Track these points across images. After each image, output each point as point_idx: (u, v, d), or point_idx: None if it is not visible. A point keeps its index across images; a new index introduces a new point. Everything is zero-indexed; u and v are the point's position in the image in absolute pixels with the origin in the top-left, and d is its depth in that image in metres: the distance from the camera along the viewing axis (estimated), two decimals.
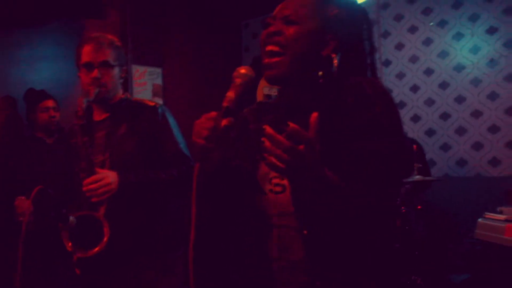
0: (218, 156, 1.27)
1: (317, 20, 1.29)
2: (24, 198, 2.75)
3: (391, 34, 4.85)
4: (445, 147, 4.50)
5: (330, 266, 1.21)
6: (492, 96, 4.24)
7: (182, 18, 4.99)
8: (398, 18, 4.80)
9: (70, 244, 1.92)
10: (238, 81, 1.25)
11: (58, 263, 2.95)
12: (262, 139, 1.03)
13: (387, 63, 4.87)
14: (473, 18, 4.35)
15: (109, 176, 1.96)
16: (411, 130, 4.67)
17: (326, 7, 1.30)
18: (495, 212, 3.03)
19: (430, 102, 4.59)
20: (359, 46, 1.34)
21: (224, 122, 1.20)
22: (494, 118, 4.22)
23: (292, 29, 1.27)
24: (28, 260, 2.04)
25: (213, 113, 1.22)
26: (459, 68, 4.43)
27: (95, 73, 2.06)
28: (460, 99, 4.41)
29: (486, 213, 3.03)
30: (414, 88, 4.69)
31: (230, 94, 1.23)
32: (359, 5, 1.38)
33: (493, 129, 4.22)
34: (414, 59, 4.70)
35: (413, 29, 4.71)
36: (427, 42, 4.62)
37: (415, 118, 4.67)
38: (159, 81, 4.73)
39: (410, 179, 3.41)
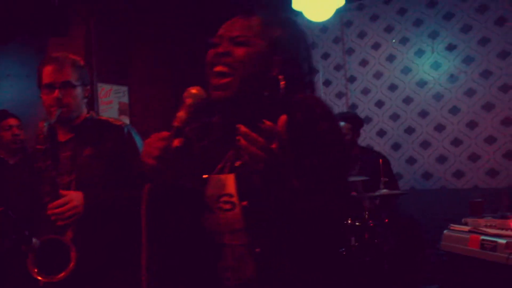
0: (169, 177, 1.26)
1: (264, 41, 1.31)
2: None
3: (355, 51, 4.96)
4: (410, 161, 4.59)
5: (280, 283, 1.21)
6: (454, 110, 4.36)
7: (147, 35, 4.98)
8: (362, 35, 4.92)
9: (35, 270, 1.86)
10: (189, 101, 1.25)
11: (21, 285, 2.85)
12: (237, 137, 1.03)
13: (352, 79, 4.96)
14: (433, 36, 4.50)
15: (74, 199, 1.91)
16: (377, 144, 4.75)
17: (271, 29, 1.33)
18: (460, 223, 3.09)
19: (395, 117, 4.69)
20: (301, 66, 1.37)
21: (175, 142, 1.19)
22: (456, 132, 4.34)
23: (241, 51, 1.28)
24: None
25: (164, 133, 1.21)
26: (422, 83, 4.55)
27: (57, 93, 2.01)
28: (423, 114, 4.53)
29: (451, 224, 3.08)
30: (379, 104, 4.78)
31: (181, 114, 1.23)
32: (299, 26, 1.41)
33: (456, 142, 4.34)
34: (378, 75, 4.81)
35: (376, 46, 4.83)
36: (391, 58, 4.74)
37: (381, 133, 4.76)
38: (125, 99, 4.68)
39: (377, 193, 3.45)
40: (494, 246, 2.64)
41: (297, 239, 1.20)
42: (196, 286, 1.35)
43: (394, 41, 4.73)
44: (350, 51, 4.99)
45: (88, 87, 2.17)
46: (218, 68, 1.29)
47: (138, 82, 4.83)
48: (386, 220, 3.48)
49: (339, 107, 5.02)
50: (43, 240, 1.89)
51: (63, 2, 4.03)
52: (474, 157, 4.25)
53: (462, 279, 2.88)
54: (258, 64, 1.29)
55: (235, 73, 1.27)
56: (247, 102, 1.31)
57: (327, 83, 5.12)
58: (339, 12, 4.49)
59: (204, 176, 1.32)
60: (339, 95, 5.04)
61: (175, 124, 1.21)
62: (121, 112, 4.63)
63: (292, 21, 1.40)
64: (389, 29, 4.76)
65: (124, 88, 4.68)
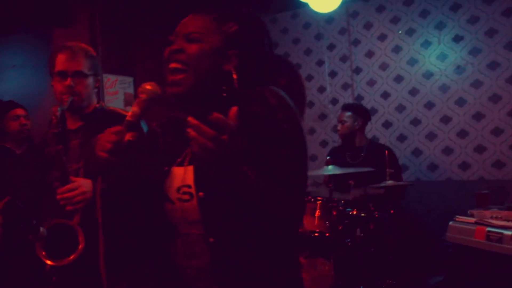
0: (121, 169, 1.32)
1: (218, 37, 1.33)
2: None
3: (361, 42, 4.93)
4: (416, 152, 4.58)
5: (235, 272, 1.26)
6: (460, 102, 4.34)
7: (153, 25, 4.97)
8: (368, 26, 4.89)
9: (43, 253, 1.88)
10: (143, 96, 1.31)
11: (29, 275, 2.87)
12: (188, 129, 1.06)
13: (358, 70, 4.94)
14: (440, 27, 4.47)
15: (84, 185, 1.93)
16: (383, 136, 4.74)
17: (226, 24, 1.35)
18: (466, 215, 3.09)
19: (401, 108, 4.67)
20: (259, 59, 1.39)
21: (127, 136, 1.25)
22: (462, 123, 4.33)
23: (194, 47, 1.31)
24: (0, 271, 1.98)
25: (117, 127, 1.27)
26: (428, 75, 4.53)
27: (69, 81, 2.04)
28: (429, 105, 4.51)
29: (457, 216, 3.08)
30: (385, 95, 4.77)
31: (135, 109, 1.29)
32: (258, 20, 1.42)
33: (462, 134, 4.33)
34: (384, 67, 4.78)
35: (382, 37, 4.80)
36: (396, 49, 4.71)
37: (387, 124, 4.75)
38: (130, 90, 4.68)
39: (382, 184, 3.45)
40: (500, 238, 2.65)
41: (250, 229, 1.24)
42: (155, 274, 1.42)
43: (400, 32, 4.70)
44: (356, 42, 4.97)
45: (99, 77, 2.20)
46: (173, 65, 1.32)
47: (143, 72, 4.83)
48: (392, 211, 3.48)
49: (344, 98, 5.00)
50: (51, 225, 1.90)
51: None
52: (480, 149, 4.24)
53: (468, 270, 2.88)
54: (212, 59, 1.32)
55: (189, 69, 1.30)
56: (203, 97, 1.33)
57: (332, 74, 5.11)
58: (345, 3, 4.47)
59: (165, 168, 1.36)
60: (345, 86, 5.03)
61: (128, 118, 1.28)
62: (127, 103, 4.64)
63: (251, 15, 1.41)
64: (395, 20, 4.73)
65: (130, 79, 4.68)
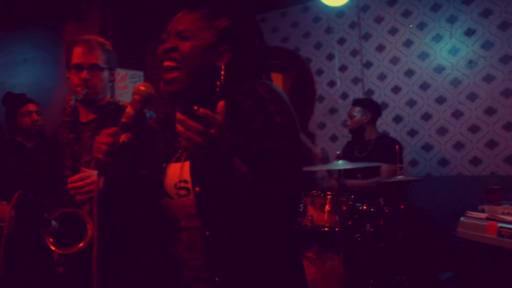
0: (117, 169, 1.36)
1: (210, 33, 1.34)
2: (5, 203, 2.70)
3: (371, 36, 4.90)
4: (427, 147, 4.55)
5: (231, 266, 1.27)
6: (472, 96, 4.30)
7: (163, 19, 4.97)
8: (379, 20, 4.85)
9: (51, 240, 1.90)
10: (137, 97, 1.34)
11: (40, 269, 2.90)
12: (176, 125, 1.06)
13: (368, 64, 4.92)
14: (451, 20, 4.42)
15: (95, 175, 1.94)
16: (393, 130, 4.72)
17: (217, 20, 1.35)
18: (477, 210, 3.07)
19: (411, 102, 4.64)
20: (254, 52, 1.40)
21: (122, 137, 1.29)
22: (474, 118, 4.29)
23: (186, 44, 1.32)
24: (9, 266, 2.00)
25: (113, 129, 1.30)
26: (439, 69, 4.49)
27: (84, 74, 2.07)
28: (440, 100, 4.47)
29: (468, 211, 3.06)
30: (396, 89, 4.74)
31: (129, 110, 1.32)
32: (249, 13, 1.42)
33: (474, 129, 4.29)
34: (395, 61, 4.75)
35: (393, 31, 4.76)
36: (407, 43, 4.68)
37: (397, 119, 4.72)
38: None
39: (393, 179, 3.44)
40: None
41: (245, 224, 1.25)
42: (154, 267, 1.42)
43: (411, 26, 4.66)
44: (366, 36, 4.93)
45: (114, 71, 2.22)
46: (166, 63, 1.34)
47: (153, 66, 4.83)
48: (402, 207, 3.47)
49: (355, 92, 4.98)
50: (60, 213, 1.92)
51: None
52: (491, 144, 4.20)
53: (479, 266, 2.87)
54: (204, 56, 1.32)
55: (182, 67, 1.32)
56: (197, 93, 1.34)
57: (343, 68, 5.08)
58: None
59: (164, 165, 1.38)
60: (355, 80, 5.00)
61: (123, 120, 1.31)
62: None
63: (242, 10, 1.40)
64: (406, 14, 4.69)
65: (140, 73, 4.69)
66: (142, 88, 1.34)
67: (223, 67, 1.33)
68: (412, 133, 4.63)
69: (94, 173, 1.97)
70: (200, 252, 1.30)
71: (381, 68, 4.84)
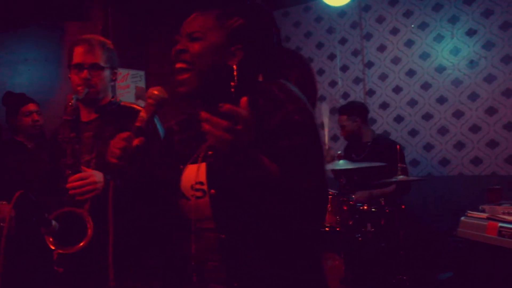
0: (131, 173, 1.36)
1: (221, 33, 1.33)
2: (5, 203, 2.71)
3: (373, 36, 4.90)
4: (428, 147, 4.55)
5: (247, 269, 1.26)
6: (473, 96, 4.30)
7: (165, 19, 4.97)
8: (380, 20, 4.85)
9: (51, 239, 1.89)
10: (150, 101, 1.34)
11: (40, 269, 2.90)
12: (202, 124, 1.06)
13: (369, 64, 4.91)
14: (453, 20, 4.42)
15: (95, 175, 1.94)
16: (395, 130, 4.72)
17: (229, 19, 1.34)
18: (478, 210, 3.07)
19: (412, 102, 4.64)
20: (269, 51, 1.38)
21: (135, 142, 1.30)
22: (475, 118, 4.29)
23: (196, 46, 1.32)
24: (9, 266, 2.00)
25: (126, 133, 1.31)
26: (440, 69, 4.49)
27: (85, 73, 2.06)
28: (441, 100, 4.47)
29: (468, 211, 3.06)
30: (397, 89, 4.73)
31: (143, 114, 1.33)
32: (266, 11, 1.40)
33: (474, 129, 4.29)
34: (396, 61, 4.75)
35: (394, 31, 4.76)
36: (409, 43, 4.67)
37: (398, 119, 4.72)
38: (142, 84, 4.70)
39: (394, 179, 3.44)
40: None
41: (263, 227, 1.23)
42: (170, 268, 1.43)
43: (413, 26, 4.66)
44: (368, 36, 4.93)
45: (116, 70, 2.21)
46: (178, 65, 1.34)
47: (155, 66, 4.84)
48: (403, 206, 3.47)
49: (356, 92, 4.98)
50: (60, 213, 1.92)
51: None
52: (492, 144, 4.20)
53: (479, 266, 2.86)
54: (215, 57, 1.32)
55: (193, 68, 1.32)
56: (210, 94, 1.35)
57: (344, 68, 5.08)
58: None
59: (181, 166, 1.38)
60: (356, 80, 5.00)
61: (137, 124, 1.32)
62: (138, 96, 4.65)
63: (256, 8, 1.39)
64: (408, 14, 4.69)
65: (141, 73, 4.70)
66: (155, 92, 1.34)
67: (235, 67, 1.32)
68: (413, 133, 4.63)
69: (95, 173, 1.97)
70: (216, 254, 1.29)
71: (382, 68, 4.83)
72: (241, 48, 1.33)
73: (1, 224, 2.68)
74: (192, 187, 1.33)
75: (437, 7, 4.51)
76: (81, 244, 1.89)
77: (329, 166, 3.78)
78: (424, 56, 4.58)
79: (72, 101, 2.00)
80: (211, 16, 1.35)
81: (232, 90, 1.32)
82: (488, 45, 4.23)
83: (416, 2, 4.63)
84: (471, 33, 4.32)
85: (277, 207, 1.19)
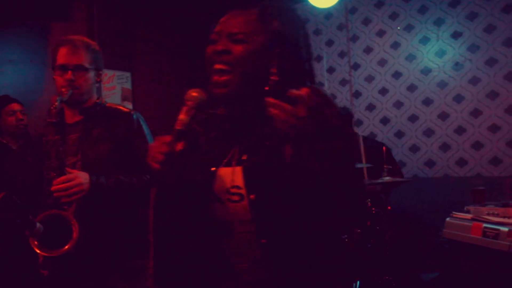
0: (173, 178, 1.33)
1: (262, 36, 1.32)
2: None
3: (359, 38, 4.92)
4: (413, 149, 4.58)
5: (287, 271, 1.26)
6: (458, 98, 4.34)
7: (150, 21, 4.95)
8: (366, 22, 4.88)
9: (36, 242, 1.88)
10: (190, 104, 1.30)
11: (24, 272, 2.87)
12: (269, 109, 1.07)
13: (356, 66, 4.94)
14: (438, 23, 4.46)
15: (81, 177, 1.93)
16: (381, 132, 4.74)
17: (268, 22, 1.33)
18: (463, 211, 3.09)
19: (398, 104, 4.67)
20: (300, 56, 1.38)
21: (178, 146, 1.26)
22: (460, 120, 4.33)
23: (239, 48, 1.30)
24: None
25: (168, 138, 1.27)
26: (426, 71, 4.52)
27: (69, 75, 2.04)
28: (427, 102, 4.51)
29: (453, 212, 3.08)
30: (383, 91, 4.76)
31: (183, 117, 1.28)
32: (297, 14, 1.41)
33: (459, 130, 4.33)
34: (382, 63, 4.78)
35: (381, 33, 4.79)
36: (395, 46, 4.71)
37: (384, 120, 4.74)
38: (128, 85, 4.67)
39: (380, 180, 3.45)
40: (496, 234, 2.65)
41: (306, 229, 1.23)
42: (205, 271, 1.40)
43: (398, 28, 4.69)
44: (354, 38, 4.96)
45: (101, 72, 2.19)
46: (218, 66, 1.31)
47: (141, 67, 4.82)
48: (389, 207, 3.49)
49: (342, 94, 5.00)
50: (45, 215, 1.90)
51: None
52: (477, 146, 4.24)
53: (464, 266, 2.89)
54: (257, 60, 1.30)
55: (235, 71, 1.29)
56: (248, 97, 1.33)
57: (331, 70, 5.10)
58: None
59: (212, 169, 1.35)
60: (343, 82, 5.02)
61: (177, 127, 1.27)
62: (124, 98, 4.62)
63: (290, 10, 1.40)
64: (394, 16, 4.72)
65: (127, 74, 4.67)
66: (194, 94, 1.31)
67: (274, 71, 1.29)
68: (399, 134, 4.66)
69: (80, 174, 1.95)
70: (254, 256, 1.29)
71: (368, 70, 4.86)
72: (278, 53, 1.31)
73: None
74: (227, 190, 1.32)
75: (423, 10, 4.55)
76: (67, 247, 1.88)
77: None
78: (410, 58, 4.62)
79: (56, 103, 1.98)
80: (252, 17, 1.33)
81: (271, 94, 1.32)
82: (472, 48, 4.28)
83: (402, 4, 4.67)
84: (456, 35, 4.36)
85: (325, 204, 1.19)
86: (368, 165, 3.64)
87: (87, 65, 2.09)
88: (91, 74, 2.12)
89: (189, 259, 1.64)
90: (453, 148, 4.36)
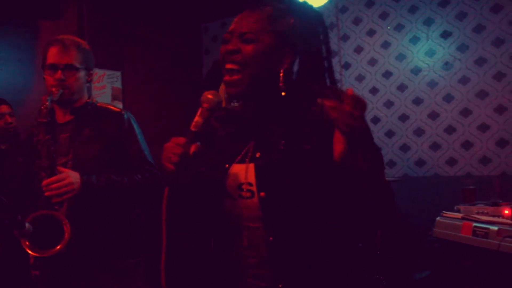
0: (187, 179, 1.34)
1: (273, 34, 1.32)
2: None
3: (350, 37, 4.94)
4: (404, 148, 4.60)
5: (293, 270, 1.28)
6: (448, 98, 4.37)
7: (141, 20, 4.92)
8: (357, 21, 4.89)
9: (27, 243, 1.86)
10: (205, 106, 1.30)
11: (15, 272, 2.84)
12: (328, 111, 1.06)
13: (346, 65, 4.95)
14: (428, 22, 4.48)
15: (72, 176, 1.91)
16: (371, 131, 4.75)
17: (281, 19, 1.33)
18: (453, 210, 3.11)
19: (389, 104, 4.69)
20: (317, 52, 1.38)
21: (193, 148, 1.27)
22: (450, 119, 4.35)
23: (249, 47, 1.30)
24: None
25: (182, 139, 1.27)
26: (416, 70, 4.54)
27: (59, 74, 2.04)
28: (417, 101, 4.53)
29: (444, 211, 3.10)
30: (374, 91, 4.78)
31: (198, 119, 1.29)
32: (315, 10, 1.40)
33: (449, 130, 4.35)
34: (373, 62, 4.79)
35: (371, 33, 4.80)
36: (385, 45, 4.72)
37: (375, 120, 4.76)
38: (118, 84, 4.64)
39: None
40: (486, 233, 2.67)
41: (312, 230, 1.26)
42: (216, 264, 1.43)
43: (389, 27, 4.71)
44: (345, 38, 4.97)
45: (91, 71, 2.19)
46: (228, 66, 1.32)
47: (131, 67, 4.79)
48: None
49: None
50: (37, 215, 1.89)
51: None
52: (467, 145, 4.27)
53: (454, 265, 2.91)
54: (267, 59, 1.31)
55: (245, 70, 1.30)
56: (260, 95, 1.34)
57: None
58: None
59: (226, 165, 1.37)
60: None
61: (193, 129, 1.28)
62: (114, 97, 4.60)
63: (306, 6, 1.39)
64: (384, 16, 4.74)
65: (118, 73, 4.64)
66: (210, 96, 1.31)
67: (283, 70, 1.32)
68: (390, 134, 4.68)
69: (71, 173, 1.94)
70: (262, 252, 1.31)
71: (359, 70, 4.87)
72: (292, 50, 1.33)
73: None
74: (239, 187, 1.33)
75: (413, 9, 4.57)
76: (58, 247, 1.87)
77: None
78: (400, 57, 4.64)
79: (47, 103, 1.97)
80: (263, 16, 1.33)
81: (283, 93, 1.32)
82: (462, 47, 4.30)
83: (392, 4, 4.69)
84: (446, 35, 4.39)
85: (361, 204, 1.20)
86: None
87: (77, 65, 2.09)
88: (82, 73, 2.12)
89: (199, 254, 1.65)
90: (443, 147, 4.39)
